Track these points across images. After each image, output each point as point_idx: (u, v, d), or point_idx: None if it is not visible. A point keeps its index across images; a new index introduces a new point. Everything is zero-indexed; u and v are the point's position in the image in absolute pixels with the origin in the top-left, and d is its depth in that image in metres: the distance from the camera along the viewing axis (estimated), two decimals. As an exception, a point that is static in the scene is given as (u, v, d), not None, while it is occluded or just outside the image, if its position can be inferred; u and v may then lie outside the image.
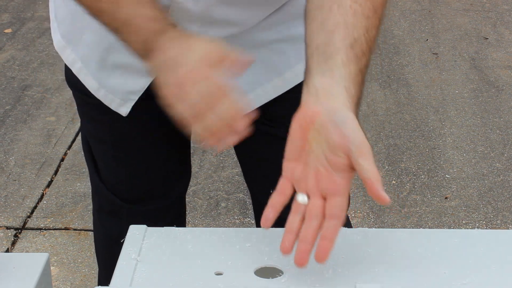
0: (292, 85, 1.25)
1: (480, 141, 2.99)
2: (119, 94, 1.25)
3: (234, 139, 0.96)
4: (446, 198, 2.63)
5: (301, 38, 1.00)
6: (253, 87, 1.24)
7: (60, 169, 2.80)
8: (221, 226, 2.46)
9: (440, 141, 2.99)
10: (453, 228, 2.44)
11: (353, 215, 2.51)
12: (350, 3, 0.95)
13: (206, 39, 0.97)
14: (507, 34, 4.00)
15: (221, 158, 2.87)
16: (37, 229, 2.49)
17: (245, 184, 1.48)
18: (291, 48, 1.24)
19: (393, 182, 2.72)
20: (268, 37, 1.22)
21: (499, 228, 2.49)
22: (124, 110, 1.26)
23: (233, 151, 2.81)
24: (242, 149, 1.38)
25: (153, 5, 0.98)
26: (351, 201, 1.46)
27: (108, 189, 1.39)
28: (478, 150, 2.93)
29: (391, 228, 2.46)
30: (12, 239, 2.43)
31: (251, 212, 2.53)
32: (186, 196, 1.50)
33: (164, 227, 1.03)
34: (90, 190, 1.47)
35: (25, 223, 2.51)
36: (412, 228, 2.46)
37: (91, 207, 2.34)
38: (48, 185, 2.71)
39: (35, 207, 2.59)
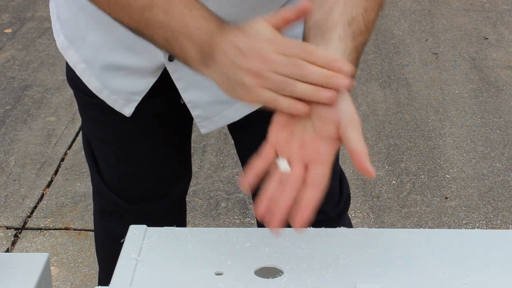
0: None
1: (480, 141, 2.99)
2: (123, 95, 1.25)
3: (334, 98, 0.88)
4: (446, 198, 2.63)
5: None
6: None
7: (60, 169, 2.80)
8: (221, 226, 2.46)
9: (440, 141, 2.99)
10: (453, 228, 2.44)
11: (353, 215, 2.51)
12: None
13: (256, 20, 0.93)
14: (507, 34, 4.00)
15: (221, 158, 2.87)
16: (37, 229, 2.48)
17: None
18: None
19: (393, 182, 2.72)
20: None
21: (499, 228, 2.49)
22: (127, 110, 1.26)
23: (233, 151, 2.82)
24: (243, 149, 1.38)
25: (202, 6, 0.96)
26: (351, 201, 1.46)
27: (109, 189, 1.39)
28: (478, 150, 2.93)
29: (391, 228, 2.46)
30: (12, 239, 2.43)
31: (251, 212, 2.53)
32: (186, 196, 1.50)
33: (164, 227, 1.03)
34: (90, 190, 1.47)
35: (25, 223, 2.51)
36: (412, 228, 2.45)
37: (91, 207, 2.34)
38: (48, 185, 2.70)
39: (35, 207, 2.59)
